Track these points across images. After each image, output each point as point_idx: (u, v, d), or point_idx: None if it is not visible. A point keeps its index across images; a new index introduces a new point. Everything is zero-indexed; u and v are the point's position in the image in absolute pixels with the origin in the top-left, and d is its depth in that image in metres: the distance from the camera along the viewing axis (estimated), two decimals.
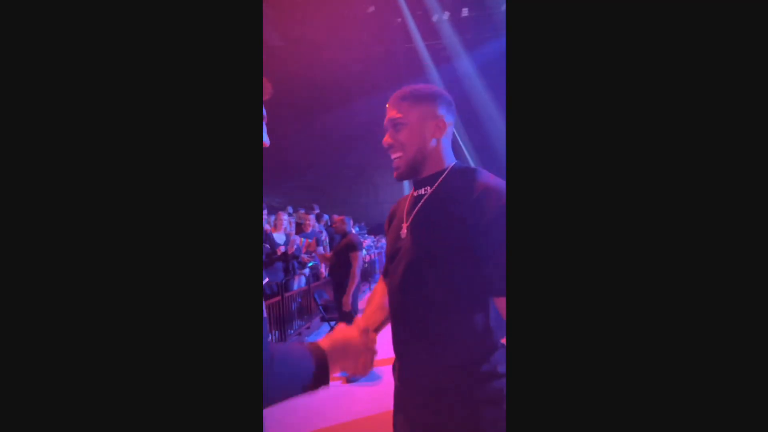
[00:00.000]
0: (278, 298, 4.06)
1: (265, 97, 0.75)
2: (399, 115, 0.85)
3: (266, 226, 4.33)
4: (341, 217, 3.63)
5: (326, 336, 0.74)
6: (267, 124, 0.76)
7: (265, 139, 0.75)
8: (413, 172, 0.87)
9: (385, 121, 0.87)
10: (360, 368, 0.74)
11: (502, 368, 0.76)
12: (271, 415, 2.62)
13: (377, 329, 0.89)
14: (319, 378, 0.65)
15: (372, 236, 10.45)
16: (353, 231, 3.74)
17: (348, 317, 3.35)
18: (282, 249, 4.29)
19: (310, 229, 5.39)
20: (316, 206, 6.29)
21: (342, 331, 0.75)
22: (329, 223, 6.63)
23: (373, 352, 0.77)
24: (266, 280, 1.36)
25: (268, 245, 4.12)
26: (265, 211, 4.28)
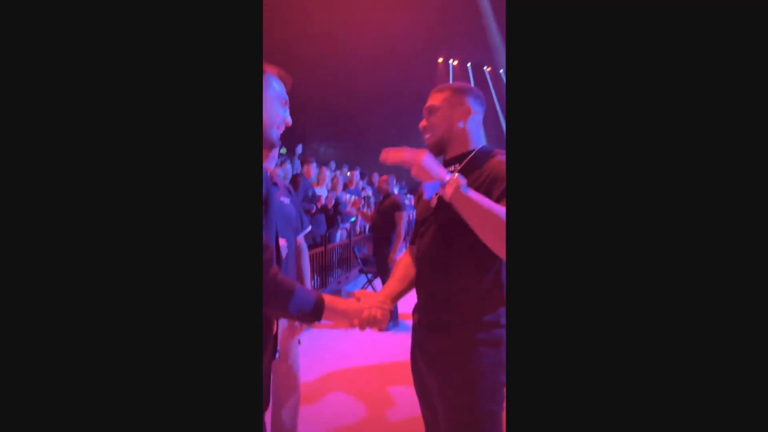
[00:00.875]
0: (321, 248, 4.34)
1: (288, 87, 0.96)
2: (434, 103, 1.05)
3: (313, 180, 4.57)
4: (385, 177, 3.73)
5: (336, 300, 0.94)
6: (289, 107, 0.96)
7: (290, 119, 0.96)
8: (440, 149, 1.06)
9: (424, 109, 1.07)
10: (365, 320, 0.94)
11: (503, 320, 0.95)
12: (306, 353, 2.93)
13: (396, 298, 1.10)
14: (315, 311, 0.86)
15: (412, 195, 10.52)
16: (396, 191, 3.86)
17: (388, 272, 3.56)
18: (323, 202, 4.52)
19: (354, 186, 5.56)
20: (358, 167, 6.44)
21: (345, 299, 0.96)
22: (372, 182, 6.77)
23: (381, 309, 0.96)
24: (308, 228, 1.53)
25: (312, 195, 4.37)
26: (314, 165, 4.54)
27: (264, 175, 0.85)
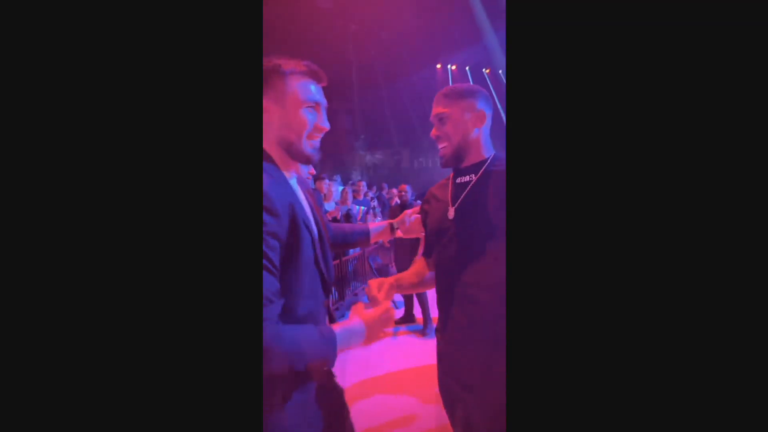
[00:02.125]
0: (336, 261, 4.38)
1: (322, 84, 0.83)
2: (444, 110, 0.97)
3: (322, 195, 4.64)
4: (404, 186, 3.79)
5: (341, 323, 0.78)
6: (327, 110, 0.82)
7: (326, 124, 0.81)
8: (457, 160, 0.98)
9: (431, 117, 0.99)
10: (375, 337, 0.79)
11: None
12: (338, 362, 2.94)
13: (402, 287, 1.06)
14: (324, 359, 0.71)
15: (420, 201, 10.54)
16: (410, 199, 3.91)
17: None
18: (332, 215, 4.57)
19: (362, 197, 5.61)
20: (363, 179, 6.51)
21: (357, 312, 0.80)
22: (382, 192, 6.84)
23: (387, 321, 0.81)
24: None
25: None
26: (327, 181, 4.62)
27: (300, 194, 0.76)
